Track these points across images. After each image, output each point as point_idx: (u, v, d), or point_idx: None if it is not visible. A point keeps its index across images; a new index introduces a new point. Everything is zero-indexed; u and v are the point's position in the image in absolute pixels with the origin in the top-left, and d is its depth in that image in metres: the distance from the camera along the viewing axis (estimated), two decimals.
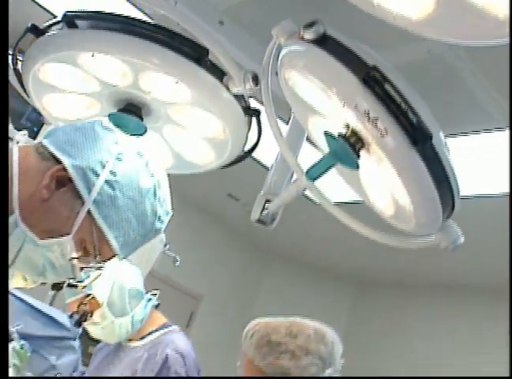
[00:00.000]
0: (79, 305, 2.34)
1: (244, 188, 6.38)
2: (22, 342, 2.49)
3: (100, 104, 2.01)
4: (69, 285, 2.10)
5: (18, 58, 2.05)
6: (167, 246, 2.94)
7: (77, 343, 2.87)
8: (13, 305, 2.68)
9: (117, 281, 2.37)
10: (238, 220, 7.63)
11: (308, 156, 1.86)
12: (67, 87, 2.02)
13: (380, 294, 7.80)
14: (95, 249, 1.18)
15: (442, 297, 7.18)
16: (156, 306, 2.54)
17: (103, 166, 1.18)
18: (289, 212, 2.11)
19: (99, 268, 1.22)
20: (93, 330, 2.41)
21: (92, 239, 1.17)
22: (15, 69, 2.07)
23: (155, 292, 2.53)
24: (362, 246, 6.96)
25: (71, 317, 2.39)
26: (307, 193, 2.04)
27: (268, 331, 1.76)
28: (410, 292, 7.47)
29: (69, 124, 1.28)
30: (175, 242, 3.34)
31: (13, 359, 2.32)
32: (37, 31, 1.89)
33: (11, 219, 1.13)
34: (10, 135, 1.16)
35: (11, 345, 2.30)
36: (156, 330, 2.47)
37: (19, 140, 1.20)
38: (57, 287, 2.02)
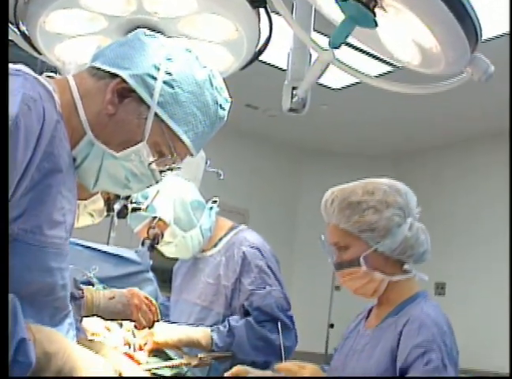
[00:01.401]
0: (148, 231, 2.43)
1: (260, 95, 6.40)
2: (102, 284, 2.60)
3: (111, 39, 2.04)
4: (133, 209, 2.20)
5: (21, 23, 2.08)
6: (208, 163, 3.00)
7: (151, 274, 2.98)
8: (82, 254, 2.78)
9: (177, 197, 2.45)
10: (263, 127, 7.68)
11: None
12: (75, 31, 2.05)
13: (417, 163, 7.87)
14: (170, 149, 1.25)
15: (475, 149, 7.25)
16: None
17: (158, 69, 1.23)
18: (310, 104, 2.15)
19: (176, 168, 1.29)
20: (167, 250, 2.51)
21: (164, 140, 1.24)
22: (21, 32, 2.10)
23: (215, 199, 2.60)
24: (388, 122, 7.02)
25: (143, 243, 2.49)
26: (322, 80, 2.07)
27: (346, 194, 1.84)
28: (444, 153, 7.54)
29: (114, 42, 1.33)
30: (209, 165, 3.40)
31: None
32: None
33: (85, 141, 1.20)
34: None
35: (94, 288, 2.40)
36: (226, 234, 2.56)
37: (69, 69, 1.26)
38: (122, 214, 2.12)
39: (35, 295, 1.07)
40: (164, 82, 1.23)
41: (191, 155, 1.31)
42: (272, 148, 8.16)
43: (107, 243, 3.72)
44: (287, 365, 1.77)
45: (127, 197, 2.13)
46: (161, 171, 1.28)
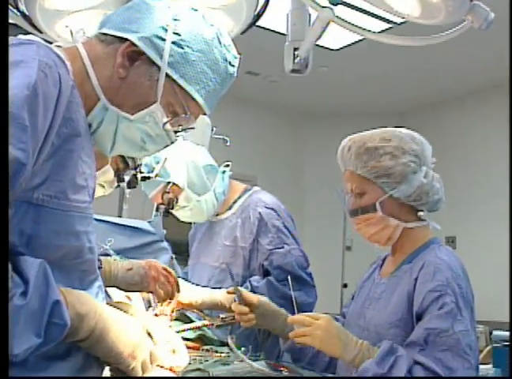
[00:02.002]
0: (162, 196, 2.47)
1: (260, 61, 6.37)
2: (119, 255, 2.63)
3: (110, 11, 2.04)
4: (143, 178, 2.22)
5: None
6: (214, 130, 3.01)
7: (165, 244, 3.01)
8: (97, 228, 2.78)
9: (189, 162, 2.48)
10: (264, 94, 7.66)
11: None
12: (74, 7, 2.06)
13: (421, 119, 7.86)
14: (183, 108, 1.27)
15: (478, 102, 7.24)
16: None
17: (166, 30, 1.24)
18: (310, 67, 2.16)
19: (190, 128, 1.31)
20: (182, 214, 2.55)
21: (177, 100, 1.26)
22: (20, 12, 2.11)
23: (227, 163, 2.63)
24: (390, 79, 6.99)
25: (157, 209, 2.52)
26: (320, 41, 2.08)
27: (363, 140, 1.86)
28: (447, 108, 7.53)
29: (119, 7, 1.33)
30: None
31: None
32: None
33: (99, 106, 1.22)
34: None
35: (111, 258, 2.44)
36: (240, 196, 2.60)
37: (77, 38, 1.27)
38: (132, 183, 2.14)
39: (63, 260, 1.10)
40: (173, 42, 1.24)
41: (204, 113, 1.32)
42: (274, 113, 8.15)
43: (120, 216, 3.74)
44: (299, 318, 1.78)
45: (136, 167, 2.15)
46: (176, 132, 1.31)
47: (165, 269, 2.13)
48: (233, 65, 1.34)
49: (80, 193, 1.12)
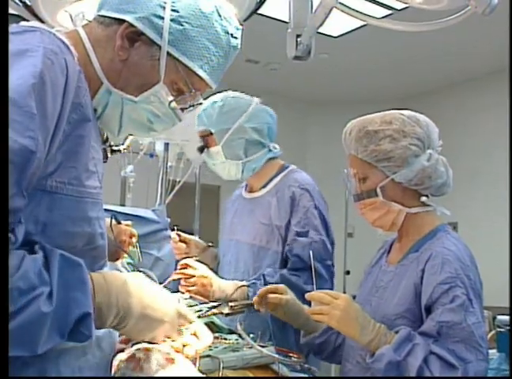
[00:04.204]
0: (201, 138, 2.50)
1: (260, 49, 6.36)
2: None
3: None
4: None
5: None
6: None
7: (169, 232, 3.00)
8: None
9: (240, 125, 2.48)
10: (265, 82, 7.64)
11: None
12: None
13: (424, 105, 7.84)
14: (187, 85, 1.26)
15: (480, 88, 7.22)
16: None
17: (164, 8, 1.22)
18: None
19: (198, 104, 1.30)
20: (209, 162, 2.56)
21: (181, 77, 1.25)
22: (22, 3, 2.11)
23: (275, 145, 2.60)
24: (391, 65, 6.98)
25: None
26: (320, 29, 2.07)
27: (364, 124, 1.85)
28: (448, 94, 7.52)
29: None
30: None
31: (126, 260, 2.48)
32: None
33: (103, 89, 1.21)
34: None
35: None
36: (276, 175, 2.58)
37: (75, 22, 1.26)
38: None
39: (76, 246, 1.09)
40: (172, 20, 1.22)
41: (210, 88, 1.31)
42: (275, 101, 8.08)
43: (122, 204, 3.75)
44: (318, 295, 1.74)
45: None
46: (183, 109, 1.30)
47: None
48: (235, 37, 1.31)
49: (91, 179, 1.12)
